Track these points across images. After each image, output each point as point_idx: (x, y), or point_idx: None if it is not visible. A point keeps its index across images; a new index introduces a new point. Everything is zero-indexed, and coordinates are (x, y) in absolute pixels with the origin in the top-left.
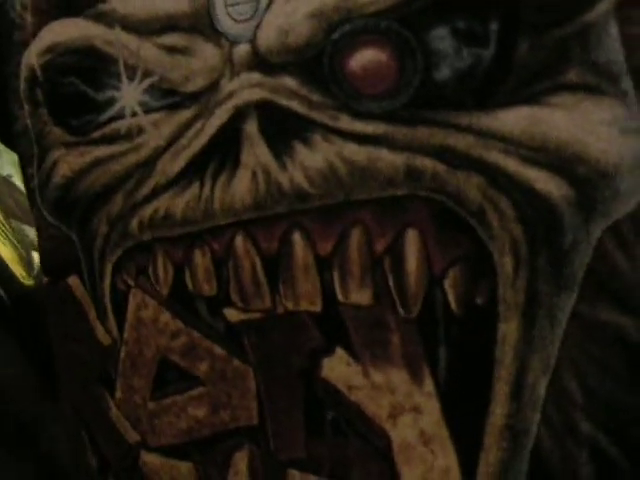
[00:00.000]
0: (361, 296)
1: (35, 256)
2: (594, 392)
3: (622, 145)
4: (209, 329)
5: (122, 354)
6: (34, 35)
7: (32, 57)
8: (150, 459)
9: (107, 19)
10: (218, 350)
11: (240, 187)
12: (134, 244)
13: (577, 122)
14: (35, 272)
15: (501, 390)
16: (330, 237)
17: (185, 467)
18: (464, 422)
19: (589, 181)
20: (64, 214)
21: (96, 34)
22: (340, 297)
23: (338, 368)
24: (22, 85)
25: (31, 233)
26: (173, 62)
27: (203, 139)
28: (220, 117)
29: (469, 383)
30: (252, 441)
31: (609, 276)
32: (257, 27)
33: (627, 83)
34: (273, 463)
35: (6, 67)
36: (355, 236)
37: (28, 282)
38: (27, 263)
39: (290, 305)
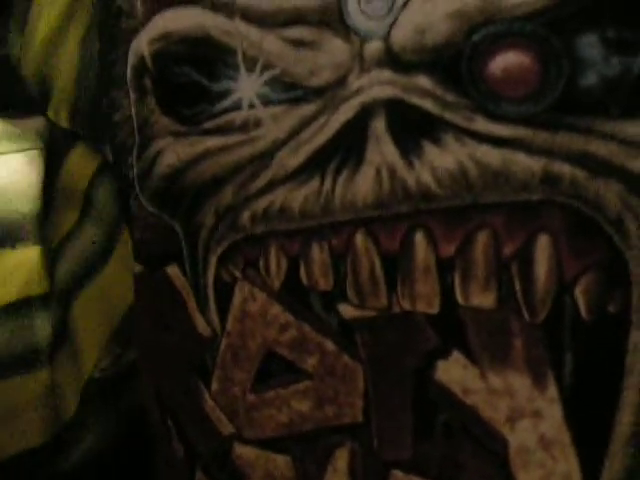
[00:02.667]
0: (484, 299)
1: None
2: None
3: None
4: (321, 323)
5: (223, 346)
6: (144, 23)
7: (142, 44)
8: (245, 451)
9: (226, 9)
10: (329, 345)
11: (363, 184)
12: (243, 237)
13: None
14: None
15: (630, 398)
16: (454, 239)
17: (282, 460)
18: (588, 428)
19: None
20: (168, 203)
21: (214, 24)
22: (460, 299)
23: (454, 370)
24: (129, 73)
25: None
26: (298, 55)
27: (326, 134)
28: (346, 113)
29: (595, 390)
30: (355, 439)
31: None
32: (392, 24)
33: None
34: (375, 463)
35: (110, 54)
36: (482, 239)
37: None
38: None
39: (407, 305)
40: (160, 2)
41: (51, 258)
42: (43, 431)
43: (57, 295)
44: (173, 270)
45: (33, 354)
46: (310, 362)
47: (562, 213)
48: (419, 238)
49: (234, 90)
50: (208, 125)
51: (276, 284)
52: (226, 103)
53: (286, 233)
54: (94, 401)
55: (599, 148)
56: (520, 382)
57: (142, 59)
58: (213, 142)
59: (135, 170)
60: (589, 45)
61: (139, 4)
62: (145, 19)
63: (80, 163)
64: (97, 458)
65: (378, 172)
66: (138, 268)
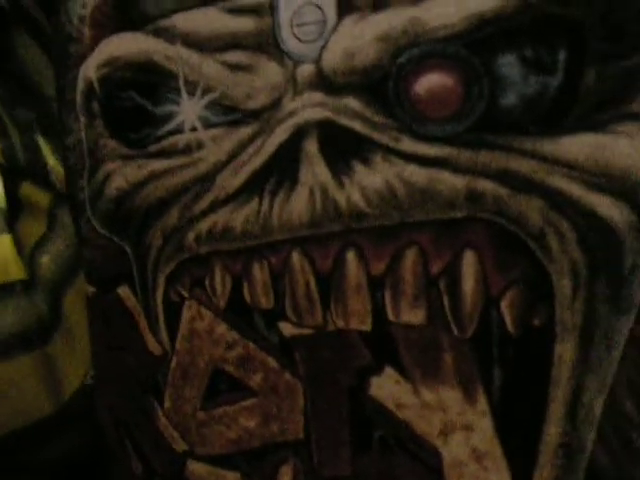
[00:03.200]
0: (414, 316)
1: None
2: None
3: None
4: (264, 341)
5: (173, 364)
6: (92, 48)
7: (90, 70)
8: (197, 468)
9: (167, 35)
10: (272, 362)
11: (297, 204)
12: (189, 257)
13: None
14: None
15: (557, 410)
16: (384, 257)
17: (232, 477)
18: (518, 440)
19: None
20: (117, 226)
21: (156, 49)
22: (391, 316)
23: (387, 386)
24: (78, 97)
25: None
26: (235, 79)
27: (263, 156)
28: (280, 135)
29: (524, 402)
30: (297, 456)
31: None
32: (323, 48)
33: None
34: (316, 479)
35: (61, 80)
36: (410, 256)
37: None
38: None
39: (341, 323)
40: (106, 28)
41: (28, 255)
42: (48, 402)
43: (45, 284)
44: (124, 291)
45: (12, 337)
46: (255, 379)
47: (486, 229)
48: (350, 257)
49: (177, 113)
50: (153, 148)
51: (221, 303)
52: (169, 126)
53: (229, 253)
54: (83, 405)
55: (520, 165)
56: (451, 396)
57: (90, 84)
58: (158, 165)
59: (86, 192)
60: (508, 65)
61: (87, 30)
62: (92, 45)
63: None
64: (72, 459)
65: (311, 192)
66: (91, 290)
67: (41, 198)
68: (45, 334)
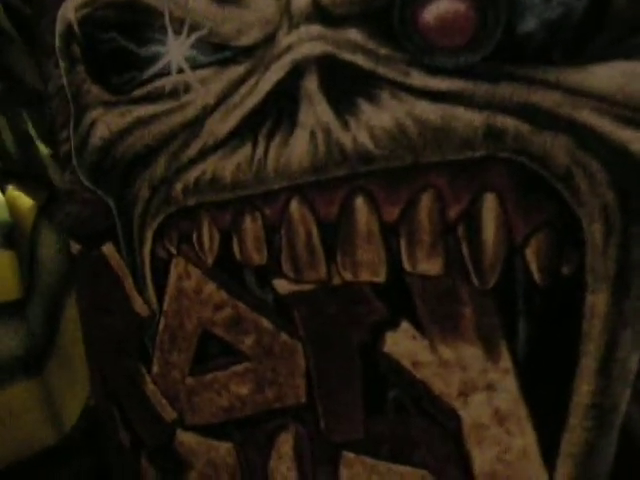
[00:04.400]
0: (431, 265)
1: None
2: None
3: None
4: (256, 301)
5: (161, 326)
6: None
7: (69, 11)
8: (187, 438)
9: None
10: (265, 323)
11: (297, 148)
12: (177, 209)
13: None
14: None
15: (588, 366)
16: (397, 202)
17: (224, 448)
18: (545, 400)
19: None
20: (102, 178)
21: None
22: (407, 266)
23: (403, 343)
24: (57, 41)
25: None
26: (224, 14)
27: (257, 97)
28: (276, 73)
29: (552, 358)
30: (299, 421)
31: None
32: None
33: None
34: (324, 445)
35: (40, 23)
36: (425, 201)
37: None
38: None
39: (348, 275)
40: None
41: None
42: (48, 434)
43: (43, 294)
44: (109, 249)
45: (15, 361)
46: (247, 342)
47: (508, 170)
48: (359, 203)
49: (163, 54)
50: (138, 93)
51: (209, 260)
52: (155, 69)
53: (218, 205)
54: (88, 429)
55: (544, 99)
56: (472, 353)
57: (70, 26)
58: (144, 111)
59: (72, 142)
60: None
61: None
62: None
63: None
64: None
65: (313, 135)
66: (76, 247)
67: (25, 206)
68: (41, 359)
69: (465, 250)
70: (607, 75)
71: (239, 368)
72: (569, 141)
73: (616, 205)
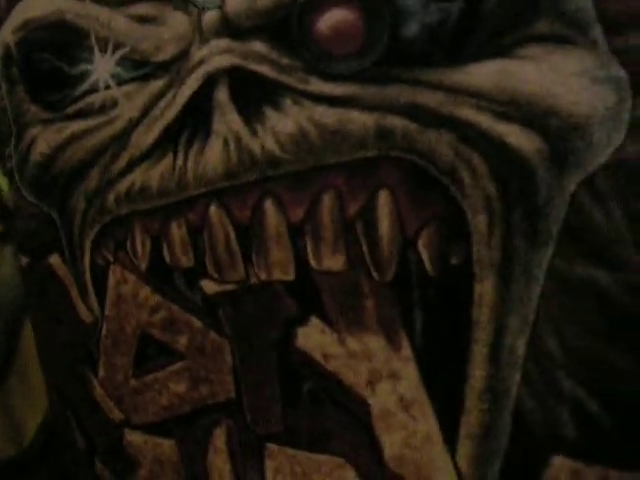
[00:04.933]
0: (334, 262)
1: None
2: (574, 349)
3: (593, 96)
4: (187, 302)
5: (104, 332)
6: (8, 11)
7: (7, 35)
8: (134, 438)
9: None
10: (196, 323)
11: (212, 156)
12: (112, 219)
13: (547, 74)
14: None
15: (479, 352)
16: (302, 203)
17: (167, 445)
18: (443, 386)
19: (561, 134)
20: (43, 192)
21: (67, 8)
22: (313, 264)
23: (313, 337)
24: None
25: None
26: (143, 32)
27: (175, 109)
28: (191, 85)
29: (447, 346)
30: (230, 416)
31: (585, 230)
32: None
33: (597, 31)
34: (250, 438)
35: None
36: (326, 201)
37: None
38: None
39: (263, 275)
40: None
41: None
42: (6, 448)
43: (2, 311)
44: (55, 260)
45: None
46: (181, 342)
47: (399, 168)
48: (268, 205)
49: (91, 72)
50: (71, 110)
51: (143, 265)
52: (85, 86)
53: (148, 213)
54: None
55: (428, 99)
56: (376, 344)
57: (8, 49)
58: (77, 126)
59: (14, 160)
60: None
61: None
62: (8, 9)
63: None
64: None
65: (225, 142)
66: (24, 260)
67: None
68: (0, 374)
69: (364, 245)
70: (483, 73)
71: (176, 367)
72: (452, 137)
73: (497, 196)
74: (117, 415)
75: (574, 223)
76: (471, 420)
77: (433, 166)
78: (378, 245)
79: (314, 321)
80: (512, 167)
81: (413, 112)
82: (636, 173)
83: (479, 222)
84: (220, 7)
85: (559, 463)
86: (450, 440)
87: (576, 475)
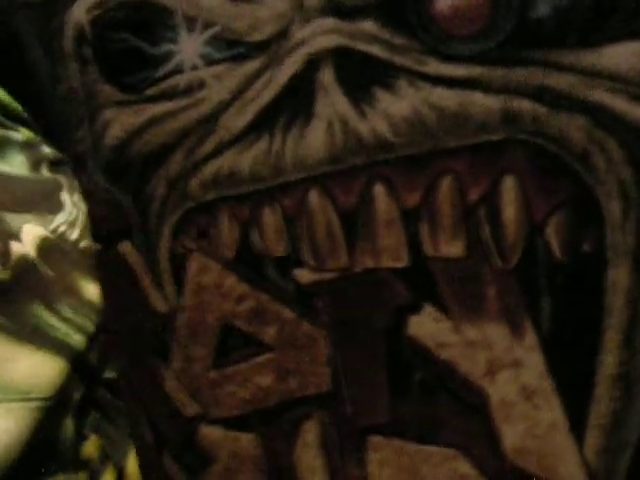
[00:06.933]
0: (453, 248)
1: (13, 246)
2: None
3: None
4: (278, 291)
5: (180, 322)
6: None
7: (80, 13)
8: (210, 432)
9: None
10: (287, 313)
11: (314, 139)
12: (195, 205)
13: None
14: (11, 263)
15: (612, 338)
16: (417, 188)
17: (247, 439)
18: (571, 374)
19: None
20: (118, 177)
21: None
22: (428, 250)
23: (426, 325)
24: (69, 43)
25: (13, 221)
26: (237, 10)
27: (273, 90)
28: (291, 66)
29: (575, 333)
30: (323, 409)
31: None
32: None
33: None
34: (349, 431)
35: (51, 25)
36: (445, 186)
37: (2, 274)
38: (2, 254)
39: (370, 262)
40: None
41: None
42: None
43: None
44: (126, 247)
45: None
46: (269, 333)
47: (526, 152)
48: (379, 190)
49: (175, 52)
50: (151, 91)
51: (229, 253)
52: (168, 67)
53: (236, 198)
54: None
55: (559, 81)
56: (497, 332)
57: (81, 28)
58: (158, 109)
59: (88, 142)
60: None
61: None
62: None
63: None
64: None
65: (330, 125)
66: (95, 247)
67: None
68: None
69: (486, 232)
70: (619, 55)
71: (261, 359)
72: (585, 121)
73: (633, 181)
74: (192, 409)
75: None
76: (602, 409)
77: (564, 150)
78: (502, 231)
79: (428, 309)
80: None
81: (543, 95)
82: None
83: (613, 208)
84: None
85: None
86: (577, 430)
87: None
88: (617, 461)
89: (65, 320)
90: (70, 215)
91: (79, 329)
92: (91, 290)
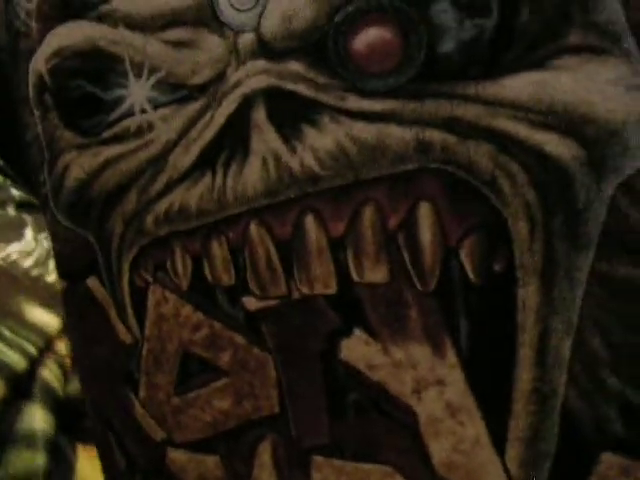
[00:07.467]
0: (376, 274)
1: None
2: (618, 347)
3: (628, 102)
4: (229, 319)
5: (144, 351)
6: (40, 41)
7: (39, 63)
8: (177, 456)
9: (110, 19)
10: (239, 339)
11: (251, 174)
12: (150, 240)
13: (583, 83)
14: None
15: (525, 355)
16: (342, 218)
17: (212, 461)
18: (490, 390)
19: (598, 140)
20: (79, 217)
21: (100, 35)
22: (355, 277)
23: (357, 348)
24: (31, 91)
25: None
26: (179, 56)
27: (213, 130)
28: (228, 107)
29: (492, 351)
30: (274, 431)
31: (625, 232)
32: (261, 15)
33: (629, 42)
34: (296, 451)
35: (15, 76)
36: (367, 214)
37: None
38: None
39: (305, 289)
40: (53, 20)
41: None
42: None
43: None
44: (93, 282)
45: None
46: (224, 358)
47: (439, 180)
48: (309, 221)
49: (126, 97)
50: (106, 134)
51: (184, 284)
52: (120, 111)
53: (188, 233)
54: None
55: (465, 111)
56: (420, 352)
57: (41, 77)
58: (112, 151)
59: (48, 186)
60: (443, 12)
61: (34, 23)
62: (40, 38)
63: None
64: None
65: (264, 161)
66: (63, 283)
67: None
68: None
69: (406, 256)
70: (519, 85)
71: (219, 384)
72: (491, 148)
73: (537, 203)
74: (159, 434)
75: (614, 225)
76: (520, 423)
77: (473, 176)
78: (420, 256)
79: (357, 333)
80: (551, 174)
81: (451, 125)
82: None
83: (520, 229)
84: (256, 29)
85: (608, 460)
86: (499, 444)
87: (626, 471)
88: (538, 471)
89: (2, 339)
90: (27, 246)
91: (17, 349)
92: (37, 315)
